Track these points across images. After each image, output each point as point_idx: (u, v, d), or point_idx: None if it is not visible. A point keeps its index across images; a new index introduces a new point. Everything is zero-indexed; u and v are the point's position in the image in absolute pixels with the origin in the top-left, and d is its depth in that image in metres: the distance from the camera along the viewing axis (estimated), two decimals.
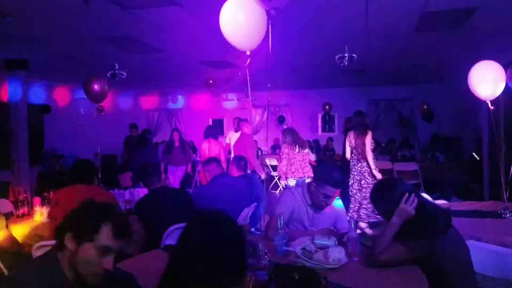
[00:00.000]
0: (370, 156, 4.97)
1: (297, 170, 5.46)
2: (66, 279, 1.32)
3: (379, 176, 4.96)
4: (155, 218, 2.85)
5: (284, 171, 5.55)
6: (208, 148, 6.21)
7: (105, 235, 1.32)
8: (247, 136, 6.04)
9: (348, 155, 5.27)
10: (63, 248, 1.33)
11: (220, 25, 2.53)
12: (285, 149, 5.58)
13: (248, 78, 2.79)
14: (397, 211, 2.00)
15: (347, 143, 5.27)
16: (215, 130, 6.67)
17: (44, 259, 1.38)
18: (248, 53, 2.58)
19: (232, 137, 7.05)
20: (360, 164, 5.11)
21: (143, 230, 2.86)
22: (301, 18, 4.40)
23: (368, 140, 5.01)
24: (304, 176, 5.41)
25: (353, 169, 5.17)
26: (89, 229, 1.31)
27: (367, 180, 5.04)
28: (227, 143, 7.11)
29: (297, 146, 5.53)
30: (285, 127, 11.31)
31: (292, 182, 5.44)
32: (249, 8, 2.44)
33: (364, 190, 5.03)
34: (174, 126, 11.79)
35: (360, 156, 5.09)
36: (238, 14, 2.45)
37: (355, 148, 5.15)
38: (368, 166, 5.04)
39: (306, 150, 5.65)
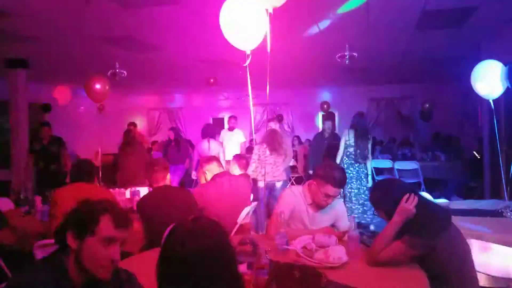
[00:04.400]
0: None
1: (268, 173, 4.99)
2: (71, 282, 1.30)
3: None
4: (157, 217, 2.84)
5: (252, 174, 5.02)
6: (208, 148, 6.16)
7: (105, 226, 1.31)
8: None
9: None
10: (67, 250, 1.32)
11: (220, 25, 2.52)
12: (256, 150, 5.11)
13: (248, 77, 2.78)
14: (398, 210, 2.00)
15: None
16: (215, 129, 6.40)
17: (48, 260, 1.36)
18: (248, 52, 2.56)
19: (225, 136, 6.70)
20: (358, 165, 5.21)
21: (144, 228, 2.86)
22: (302, 16, 4.40)
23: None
24: (274, 180, 5.04)
25: (351, 168, 5.21)
26: (88, 223, 1.30)
27: (362, 181, 5.11)
28: (220, 142, 6.67)
29: (268, 150, 5.01)
30: (285, 125, 11.31)
31: (261, 185, 4.96)
32: (249, 8, 2.43)
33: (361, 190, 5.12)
34: (175, 125, 11.79)
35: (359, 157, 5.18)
36: (238, 14, 2.44)
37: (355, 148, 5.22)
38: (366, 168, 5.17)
39: (282, 158, 5.10)
